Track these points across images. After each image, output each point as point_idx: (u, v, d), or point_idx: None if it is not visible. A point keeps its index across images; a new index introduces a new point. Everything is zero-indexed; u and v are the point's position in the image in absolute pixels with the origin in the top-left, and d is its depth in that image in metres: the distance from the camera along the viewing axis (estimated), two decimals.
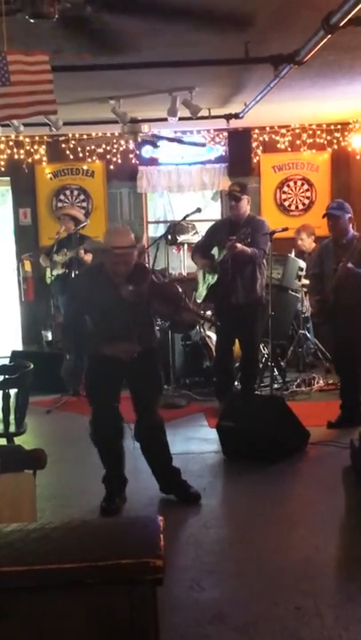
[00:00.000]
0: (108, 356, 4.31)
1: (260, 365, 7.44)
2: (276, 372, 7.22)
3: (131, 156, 8.98)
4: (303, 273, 7.38)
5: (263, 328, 6.55)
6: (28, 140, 8.81)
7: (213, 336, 7.35)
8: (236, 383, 6.80)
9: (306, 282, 7.50)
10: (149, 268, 4.57)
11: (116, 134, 8.42)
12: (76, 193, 9.09)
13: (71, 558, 1.51)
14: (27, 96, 3.84)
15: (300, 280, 7.40)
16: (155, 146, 8.32)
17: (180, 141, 7.98)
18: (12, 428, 4.55)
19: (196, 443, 5.76)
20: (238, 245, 6.10)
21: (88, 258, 7.48)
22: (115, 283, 4.31)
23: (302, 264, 7.40)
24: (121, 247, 4.23)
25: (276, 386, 6.99)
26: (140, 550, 1.50)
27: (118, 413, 4.52)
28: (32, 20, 3.65)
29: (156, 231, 9.54)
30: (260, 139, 8.92)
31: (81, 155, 8.95)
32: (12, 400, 4.58)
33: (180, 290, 4.44)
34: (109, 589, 1.52)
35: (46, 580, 1.50)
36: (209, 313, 6.80)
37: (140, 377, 4.46)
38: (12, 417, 4.56)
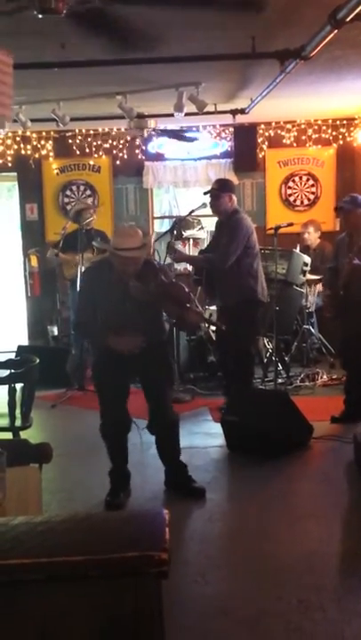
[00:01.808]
0: (116, 349, 4.35)
1: (265, 360, 7.46)
2: (281, 367, 7.23)
3: (137, 151, 8.99)
4: (308, 268, 7.38)
5: (257, 325, 6.42)
6: (35, 135, 8.83)
7: None
8: None
9: (311, 277, 7.52)
10: (159, 266, 4.57)
11: (123, 129, 8.43)
12: (82, 188, 9.11)
13: (77, 551, 1.53)
14: None
15: (304, 275, 7.40)
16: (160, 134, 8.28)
17: (179, 137, 7.97)
18: (18, 422, 4.57)
19: (200, 437, 5.78)
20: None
21: None
22: (124, 280, 4.35)
23: (307, 259, 7.40)
24: (130, 249, 4.27)
25: (280, 380, 7.01)
26: (145, 543, 1.52)
27: (126, 409, 4.56)
28: (40, 16, 3.65)
29: (161, 226, 9.55)
30: (266, 134, 8.91)
31: (87, 150, 8.97)
32: (18, 394, 4.60)
33: (188, 290, 4.46)
34: (115, 582, 1.53)
35: (52, 572, 1.52)
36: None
37: (151, 371, 4.50)
38: (17, 411, 4.58)
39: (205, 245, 7.23)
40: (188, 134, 8.36)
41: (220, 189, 6.16)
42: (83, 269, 7.30)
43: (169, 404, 4.67)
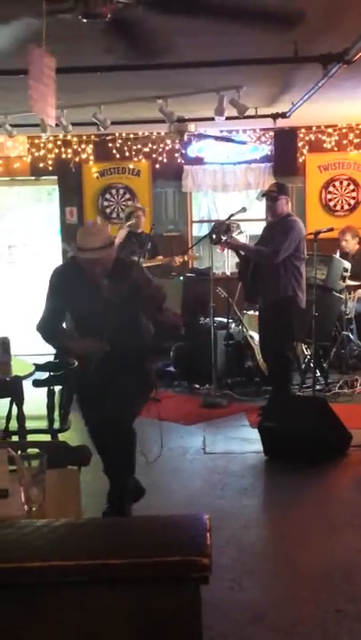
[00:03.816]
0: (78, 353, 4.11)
1: (303, 366, 7.41)
2: (319, 374, 7.17)
3: (176, 155, 9.01)
4: (348, 274, 7.32)
5: (295, 329, 6.31)
6: (75, 139, 8.90)
7: (256, 336, 7.33)
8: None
9: (350, 283, 7.46)
10: (133, 263, 4.25)
11: (163, 134, 8.46)
12: (121, 192, 9.16)
13: (118, 554, 1.53)
14: (43, 97, 3.87)
15: (344, 281, 7.34)
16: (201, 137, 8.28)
17: (226, 139, 7.98)
18: (57, 425, 4.59)
19: (237, 443, 5.75)
20: (230, 241, 6.37)
21: (177, 263, 7.72)
22: (95, 280, 4.01)
23: (347, 265, 7.34)
24: (92, 249, 3.93)
25: (318, 387, 6.95)
26: (186, 548, 1.51)
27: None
28: (84, 20, 3.67)
29: (200, 230, 9.55)
30: (307, 138, 8.88)
31: (127, 154, 9.01)
32: (57, 397, 4.62)
33: (162, 292, 4.08)
34: (155, 587, 1.53)
35: (93, 575, 1.52)
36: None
37: (123, 376, 4.04)
38: (56, 413, 4.60)
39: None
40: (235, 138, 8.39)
41: (278, 192, 6.23)
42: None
43: (127, 412, 4.10)
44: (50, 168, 9.06)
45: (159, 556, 1.49)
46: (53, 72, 3.83)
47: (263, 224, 8.71)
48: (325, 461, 5.17)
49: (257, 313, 7.17)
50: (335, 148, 8.92)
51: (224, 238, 6.44)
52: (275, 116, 7.30)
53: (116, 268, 4.04)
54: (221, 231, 6.58)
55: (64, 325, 4.48)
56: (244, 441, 5.79)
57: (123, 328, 4.01)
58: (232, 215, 6.75)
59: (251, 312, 7.70)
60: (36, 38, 3.82)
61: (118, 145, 8.97)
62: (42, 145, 8.95)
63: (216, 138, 7.92)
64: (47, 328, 4.21)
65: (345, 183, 9.07)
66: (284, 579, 3.61)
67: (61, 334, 4.30)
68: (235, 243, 6.41)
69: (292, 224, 6.16)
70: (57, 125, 6.79)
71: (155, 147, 8.95)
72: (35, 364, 4.72)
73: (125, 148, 8.98)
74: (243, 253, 6.51)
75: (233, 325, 7.61)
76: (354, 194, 9.07)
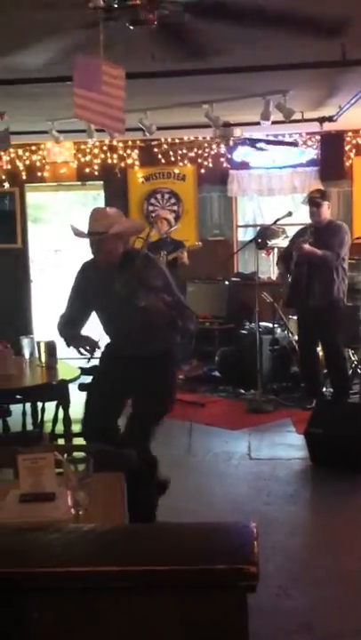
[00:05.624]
0: (116, 358, 4.05)
1: (350, 372, 7.32)
2: None
3: (222, 159, 9.00)
4: None
5: (343, 332, 6.51)
6: (121, 144, 8.96)
7: None
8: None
9: None
10: (141, 253, 3.93)
11: (208, 138, 8.45)
12: (167, 196, 9.17)
13: (165, 561, 1.52)
14: (102, 106, 3.89)
15: None
16: (255, 146, 8.26)
17: (275, 143, 7.95)
18: None
19: (283, 449, 5.71)
20: (305, 246, 6.29)
21: (185, 258, 7.63)
22: (110, 274, 3.80)
23: None
24: (92, 233, 3.77)
25: None
26: (234, 556, 1.50)
27: (110, 423, 4.06)
28: (131, 27, 3.70)
29: (245, 235, 9.53)
30: (354, 142, 8.78)
31: (173, 159, 9.03)
32: None
33: (164, 280, 3.85)
34: (202, 594, 1.52)
35: (140, 580, 1.52)
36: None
37: (140, 388, 3.95)
38: None
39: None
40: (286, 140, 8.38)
41: (322, 198, 6.41)
42: None
43: (141, 429, 3.91)
44: (96, 173, 9.13)
45: (206, 564, 1.48)
46: (122, 81, 3.82)
47: None
48: None
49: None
50: None
51: (299, 243, 6.41)
52: (321, 120, 7.24)
53: (123, 259, 3.83)
54: (267, 236, 6.61)
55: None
56: (289, 447, 5.75)
57: (146, 330, 3.82)
58: (278, 220, 6.73)
59: (296, 317, 7.64)
60: (84, 47, 3.86)
61: (164, 150, 9.00)
62: (88, 150, 9.03)
63: (267, 142, 7.89)
64: (62, 322, 4.13)
65: None
66: (332, 587, 3.57)
67: (69, 329, 4.11)
68: (309, 250, 6.33)
69: (342, 228, 6.42)
70: (103, 131, 6.85)
71: (200, 151, 8.95)
72: (80, 368, 4.75)
73: (171, 153, 9.00)
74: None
75: (279, 330, 7.56)
76: None
